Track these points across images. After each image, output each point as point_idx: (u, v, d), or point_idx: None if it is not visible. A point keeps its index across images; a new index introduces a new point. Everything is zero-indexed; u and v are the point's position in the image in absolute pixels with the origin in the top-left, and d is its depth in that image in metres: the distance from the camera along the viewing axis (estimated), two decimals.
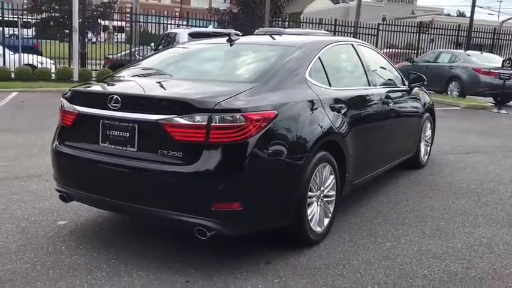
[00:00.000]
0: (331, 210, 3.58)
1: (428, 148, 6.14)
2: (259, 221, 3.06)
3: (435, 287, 2.90)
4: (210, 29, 16.01)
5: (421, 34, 20.98)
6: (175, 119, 2.83)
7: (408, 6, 59.23)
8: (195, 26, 17.47)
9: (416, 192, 4.87)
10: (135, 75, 3.82)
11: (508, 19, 34.94)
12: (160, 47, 13.11)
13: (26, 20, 20.23)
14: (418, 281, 2.96)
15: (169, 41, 12.95)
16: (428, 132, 6.08)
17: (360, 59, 4.52)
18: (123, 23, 23.61)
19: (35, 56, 15.94)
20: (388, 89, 4.80)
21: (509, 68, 12.68)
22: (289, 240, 3.34)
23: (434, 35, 21.64)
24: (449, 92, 15.35)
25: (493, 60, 15.07)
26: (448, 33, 21.54)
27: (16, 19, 16.22)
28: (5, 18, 15.65)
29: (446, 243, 3.58)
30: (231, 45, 4.00)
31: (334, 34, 18.26)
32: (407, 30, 20.64)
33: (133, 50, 17.43)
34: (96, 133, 3.13)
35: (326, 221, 3.52)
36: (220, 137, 2.79)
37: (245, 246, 3.32)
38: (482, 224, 4.03)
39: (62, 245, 3.30)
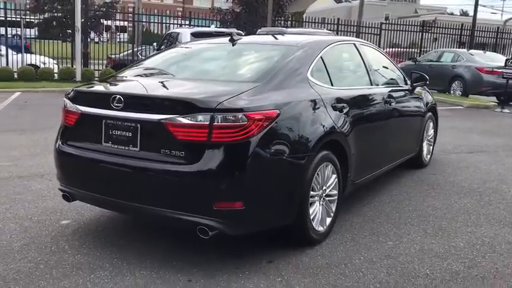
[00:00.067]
0: (334, 209, 3.59)
1: (431, 147, 6.14)
2: (261, 220, 3.07)
3: (437, 286, 2.90)
4: (213, 28, 16.02)
5: (424, 33, 20.92)
6: (177, 118, 2.84)
7: (411, 5, 59.00)
8: (198, 26, 17.48)
9: (419, 192, 4.87)
10: (137, 75, 3.83)
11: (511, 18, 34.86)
12: (162, 46, 13.13)
13: (28, 20, 20.25)
14: (420, 280, 2.97)
15: (171, 40, 12.97)
16: (431, 132, 6.07)
17: (362, 58, 4.52)
18: (126, 23, 23.64)
19: (37, 56, 15.97)
20: (391, 89, 4.80)
21: None
22: (292, 239, 3.35)
23: (437, 34, 21.57)
24: (452, 92, 15.30)
25: (496, 60, 15.01)
26: (451, 33, 21.47)
27: (19, 19, 16.25)
28: (5, 19, 15.67)
29: (449, 242, 3.58)
30: (233, 45, 4.01)
31: (337, 33, 18.25)
32: (410, 30, 20.54)
33: (135, 49, 17.45)
34: (98, 133, 3.14)
35: (328, 220, 3.52)
36: (223, 136, 2.80)
37: (247, 245, 3.32)
38: (484, 223, 4.02)
39: (65, 244, 3.31)
